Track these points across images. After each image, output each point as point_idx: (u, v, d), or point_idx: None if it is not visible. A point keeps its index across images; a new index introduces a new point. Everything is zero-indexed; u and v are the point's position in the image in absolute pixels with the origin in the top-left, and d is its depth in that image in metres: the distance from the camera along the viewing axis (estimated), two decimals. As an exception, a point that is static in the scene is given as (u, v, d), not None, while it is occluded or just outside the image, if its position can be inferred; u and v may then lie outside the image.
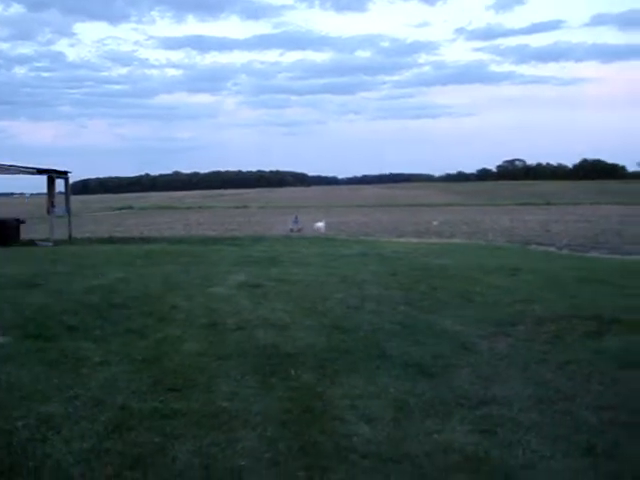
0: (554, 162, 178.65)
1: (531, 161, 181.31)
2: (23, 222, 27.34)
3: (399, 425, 5.34)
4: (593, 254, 22.99)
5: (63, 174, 28.81)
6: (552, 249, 24.98)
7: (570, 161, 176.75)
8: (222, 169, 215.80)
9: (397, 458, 4.69)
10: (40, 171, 27.19)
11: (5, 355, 7.50)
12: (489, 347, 8.06)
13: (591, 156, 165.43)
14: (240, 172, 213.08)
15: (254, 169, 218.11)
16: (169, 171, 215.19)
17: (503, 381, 6.63)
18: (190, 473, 4.50)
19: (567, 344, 8.19)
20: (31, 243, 25.72)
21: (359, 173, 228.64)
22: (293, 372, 6.84)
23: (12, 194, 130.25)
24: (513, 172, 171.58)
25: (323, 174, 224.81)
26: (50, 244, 25.12)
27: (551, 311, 10.16)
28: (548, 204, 72.05)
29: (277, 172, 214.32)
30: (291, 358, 7.40)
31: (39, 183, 28.10)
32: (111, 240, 28.60)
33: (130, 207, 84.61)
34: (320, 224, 36.31)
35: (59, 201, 28.74)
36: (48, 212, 27.36)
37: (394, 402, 5.93)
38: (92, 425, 5.31)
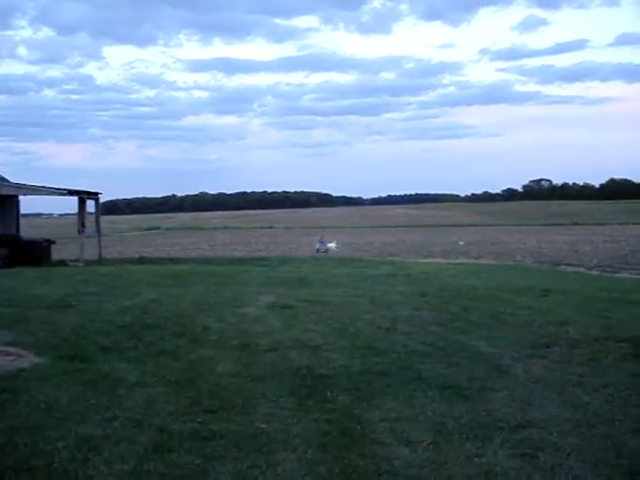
0: (580, 182, 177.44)
1: (557, 181, 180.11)
2: (54, 242, 27.62)
3: (439, 448, 5.31)
4: (623, 274, 22.77)
5: (94, 195, 29.12)
6: (582, 269, 24.79)
7: (597, 181, 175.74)
8: (248, 190, 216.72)
9: (439, 482, 4.66)
10: (71, 192, 27.50)
11: (42, 376, 7.55)
12: (524, 369, 8.00)
13: (618, 176, 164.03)
14: (266, 193, 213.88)
15: (279, 190, 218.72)
16: (196, 192, 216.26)
17: (540, 404, 6.57)
18: (232, 495, 4.50)
19: (603, 367, 8.10)
20: (62, 263, 25.96)
21: (384, 193, 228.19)
22: (329, 394, 6.83)
23: (40, 214, 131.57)
24: (539, 192, 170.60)
25: (348, 194, 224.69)
26: (81, 264, 25.33)
27: (585, 333, 10.07)
28: (575, 224, 71.52)
29: (302, 193, 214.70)
30: (326, 380, 7.39)
31: (67, 204, 28.53)
32: (141, 260, 28.82)
33: (157, 228, 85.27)
34: (331, 244, 36.47)
35: (89, 221, 29.02)
36: (79, 232, 27.60)
37: (432, 425, 5.89)
38: (132, 446, 5.32)
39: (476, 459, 5.10)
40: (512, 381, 7.45)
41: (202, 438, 5.51)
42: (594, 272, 23.81)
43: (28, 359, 8.41)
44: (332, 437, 5.57)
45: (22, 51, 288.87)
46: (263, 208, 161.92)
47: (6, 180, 28.53)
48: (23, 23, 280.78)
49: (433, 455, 5.18)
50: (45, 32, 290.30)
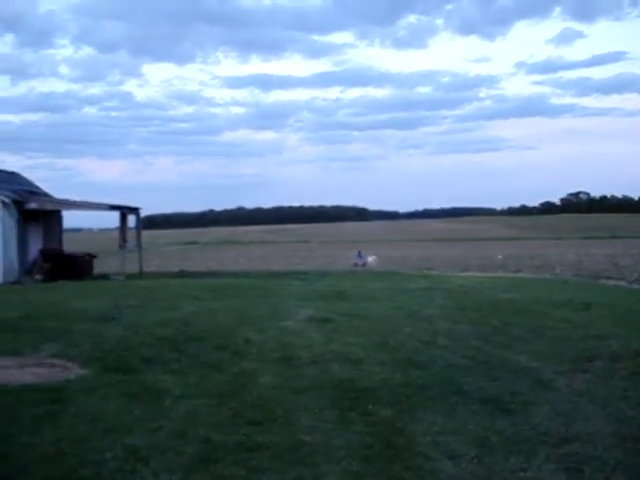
0: (619, 194, 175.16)
1: (595, 193, 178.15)
2: (95, 257, 28.05)
3: (482, 462, 5.31)
4: (665, 289, 22.44)
5: (134, 210, 29.52)
6: (622, 283, 24.48)
7: (636, 193, 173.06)
8: (285, 204, 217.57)
9: (484, 495, 4.66)
10: (113, 207, 27.91)
11: (87, 388, 7.68)
12: (567, 383, 7.95)
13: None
14: (302, 207, 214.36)
15: (316, 204, 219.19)
16: (233, 206, 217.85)
17: (584, 418, 6.53)
18: (278, 506, 4.54)
19: (647, 381, 8.01)
20: (104, 277, 26.34)
21: (420, 207, 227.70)
22: (371, 407, 6.86)
23: (80, 229, 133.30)
24: (577, 205, 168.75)
25: (384, 208, 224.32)
26: (122, 278, 25.68)
27: (627, 347, 9.96)
28: (614, 237, 70.60)
29: (338, 207, 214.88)
30: (368, 393, 7.42)
31: (106, 218, 28.94)
32: (180, 274, 29.11)
33: (195, 242, 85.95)
34: (370, 259, 36.54)
35: (129, 236, 29.40)
36: (120, 247, 27.98)
37: (475, 438, 5.89)
38: (178, 457, 5.40)
39: (521, 473, 5.10)
40: (555, 395, 7.41)
41: (246, 449, 5.57)
42: (635, 286, 23.50)
43: (74, 371, 8.56)
44: (376, 449, 5.60)
45: (63, 69, 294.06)
46: (300, 222, 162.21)
47: (49, 196, 29.05)
48: (64, 42, 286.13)
49: (477, 469, 5.18)
50: (86, 51, 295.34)
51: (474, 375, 8.31)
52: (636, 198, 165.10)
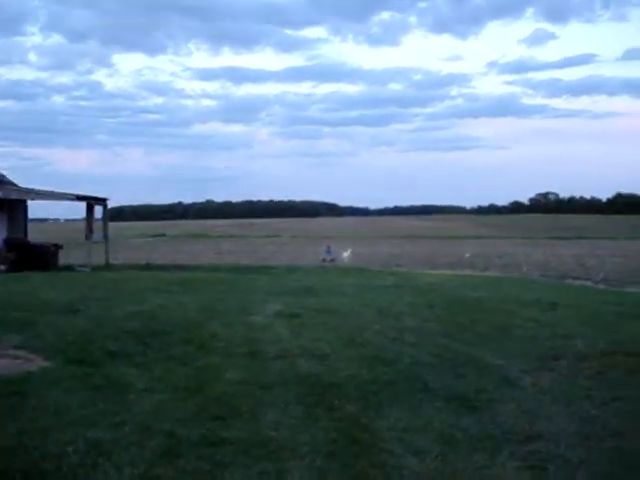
0: (587, 195, 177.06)
1: (564, 194, 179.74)
2: (61, 247, 27.72)
3: (447, 459, 5.31)
4: (630, 289, 22.72)
5: (102, 201, 29.24)
6: (589, 283, 24.76)
7: (604, 195, 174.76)
8: (254, 198, 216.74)
9: (448, 492, 4.66)
10: (80, 197, 27.60)
11: (50, 380, 7.57)
12: (532, 382, 7.99)
13: (625, 190, 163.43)
14: (272, 202, 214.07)
15: (286, 199, 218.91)
16: (202, 199, 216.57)
17: (548, 417, 6.57)
18: (241, 502, 4.50)
19: (611, 380, 8.09)
20: (69, 268, 26.05)
21: (391, 204, 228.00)
22: (337, 402, 6.84)
23: (46, 219, 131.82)
24: (546, 205, 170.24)
25: (355, 205, 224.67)
26: (88, 269, 25.43)
27: (593, 347, 10.05)
28: (581, 238, 71.42)
29: (309, 202, 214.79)
30: (334, 388, 7.39)
31: (73, 209, 28.69)
32: (148, 267, 28.90)
33: (163, 235, 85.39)
34: (345, 254, 36.62)
35: (96, 227, 29.11)
36: (87, 238, 27.70)
37: (440, 436, 5.90)
38: (141, 451, 5.33)
39: (485, 470, 5.11)
40: (520, 393, 7.45)
41: (211, 444, 5.52)
42: (601, 286, 23.78)
43: (36, 363, 8.44)
44: (341, 445, 5.58)
45: (32, 57, 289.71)
46: (269, 217, 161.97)
47: (15, 185, 28.65)
48: (34, 29, 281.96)
49: (442, 465, 5.18)
50: (55, 39, 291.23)
51: (440, 372, 8.33)
52: (604, 200, 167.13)
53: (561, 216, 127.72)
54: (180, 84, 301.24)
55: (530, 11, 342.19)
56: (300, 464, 5.15)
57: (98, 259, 28.19)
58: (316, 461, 5.19)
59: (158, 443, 5.53)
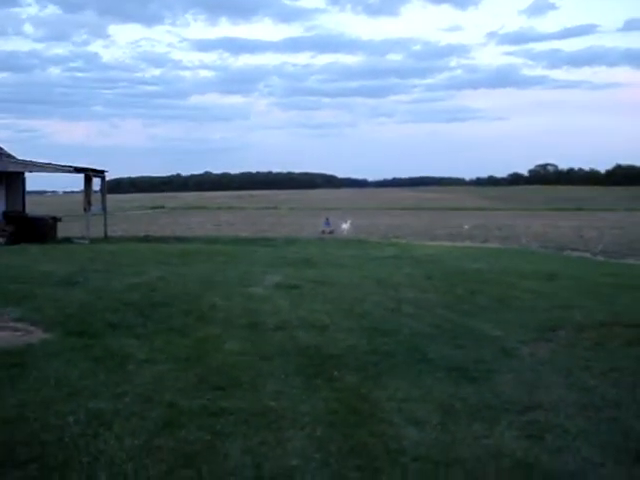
0: (587, 167, 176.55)
1: (563, 166, 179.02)
2: (60, 220, 27.68)
3: (446, 429, 5.34)
4: (629, 261, 22.77)
5: (100, 173, 29.14)
6: (587, 255, 24.78)
7: (603, 166, 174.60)
8: (252, 170, 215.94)
9: (448, 462, 4.69)
10: (78, 170, 27.49)
11: (51, 352, 7.58)
12: (530, 352, 8.03)
13: (625, 162, 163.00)
14: (270, 173, 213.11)
15: (284, 170, 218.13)
16: (200, 171, 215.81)
17: (547, 387, 6.60)
18: (242, 471, 4.53)
19: (609, 351, 8.13)
20: (68, 241, 26.02)
21: (389, 176, 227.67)
22: (336, 373, 6.87)
23: (44, 192, 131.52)
24: (545, 177, 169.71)
25: (353, 176, 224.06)
26: (86, 242, 25.40)
27: (591, 318, 10.09)
28: (580, 209, 71.42)
29: (307, 174, 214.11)
30: (333, 359, 7.43)
31: (71, 181, 28.63)
32: (147, 239, 28.88)
33: (162, 206, 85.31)
34: (345, 225, 36.56)
35: (94, 199, 29.03)
36: (85, 210, 27.63)
37: (439, 406, 5.93)
38: (142, 422, 5.35)
39: (484, 440, 5.14)
40: (519, 364, 7.48)
41: (211, 414, 5.55)
42: (599, 258, 23.81)
43: (36, 335, 8.45)
44: (340, 415, 5.61)
45: (28, 28, 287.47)
46: (268, 188, 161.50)
47: (12, 157, 28.51)
48: (29, 0, 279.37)
49: (441, 435, 5.21)
50: (51, 9, 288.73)
51: (439, 343, 8.37)
52: (603, 171, 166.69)
53: (560, 187, 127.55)
54: (177, 55, 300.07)
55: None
56: (300, 433, 5.17)
57: (97, 231, 28.16)
58: (316, 431, 5.21)
59: (159, 413, 5.56)
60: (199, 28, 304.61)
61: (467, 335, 8.88)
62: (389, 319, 9.89)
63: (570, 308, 10.89)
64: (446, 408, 5.86)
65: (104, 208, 29.88)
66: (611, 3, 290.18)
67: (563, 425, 5.48)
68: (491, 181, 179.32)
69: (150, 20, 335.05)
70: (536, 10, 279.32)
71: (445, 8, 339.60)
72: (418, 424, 5.43)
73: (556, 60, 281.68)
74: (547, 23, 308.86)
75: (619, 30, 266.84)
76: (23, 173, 28.79)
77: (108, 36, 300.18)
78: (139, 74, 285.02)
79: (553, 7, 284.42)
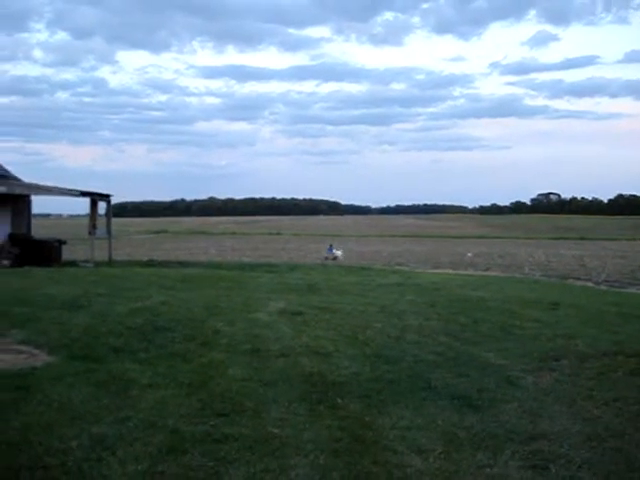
0: (589, 196, 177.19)
1: (566, 195, 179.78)
2: (64, 243, 27.71)
3: (450, 458, 5.34)
4: (631, 290, 22.74)
5: (105, 197, 29.23)
6: (590, 284, 24.75)
7: (605, 196, 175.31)
8: (256, 196, 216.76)
9: (451, 491, 4.69)
10: (84, 193, 27.59)
11: (54, 375, 7.59)
12: (534, 382, 8.01)
13: (626, 191, 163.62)
14: (274, 199, 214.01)
15: (288, 197, 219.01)
16: (204, 197, 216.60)
17: (551, 417, 6.59)
18: (246, 498, 4.53)
19: (613, 381, 8.11)
20: (73, 264, 26.05)
21: (392, 203, 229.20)
22: (340, 400, 6.87)
23: (49, 215, 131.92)
24: (547, 206, 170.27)
25: (356, 203, 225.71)
26: (91, 265, 25.43)
27: (594, 347, 10.07)
28: (583, 239, 71.39)
29: (311, 200, 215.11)
30: (337, 387, 7.42)
31: (76, 205, 28.75)
32: (150, 263, 28.90)
33: (165, 231, 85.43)
34: (338, 252, 36.62)
35: (99, 223, 29.11)
36: (90, 233, 27.70)
37: (443, 434, 5.92)
38: (145, 447, 5.36)
39: (487, 469, 5.13)
40: (522, 393, 7.46)
41: (215, 441, 5.55)
42: (602, 287, 23.78)
43: (40, 358, 8.47)
44: (344, 443, 5.60)
45: (37, 53, 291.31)
46: (271, 214, 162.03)
47: (19, 180, 28.65)
48: (39, 26, 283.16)
49: (445, 464, 5.20)
50: (61, 35, 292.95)
51: (443, 371, 8.36)
52: (605, 200, 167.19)
53: (563, 216, 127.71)
54: (184, 82, 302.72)
55: (532, 13, 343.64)
56: (304, 461, 5.17)
57: (101, 255, 28.21)
58: (319, 459, 5.22)
59: (162, 439, 5.56)
60: (206, 55, 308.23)
61: (470, 363, 8.88)
62: (393, 346, 9.89)
63: (573, 337, 10.87)
64: (450, 437, 5.86)
65: (109, 232, 29.94)
66: (611, 35, 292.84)
67: (567, 455, 5.47)
68: (494, 209, 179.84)
69: (157, 47, 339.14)
70: (538, 41, 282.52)
71: (448, 39, 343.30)
72: (422, 453, 5.43)
73: (558, 90, 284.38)
74: (549, 54, 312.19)
75: (619, 62, 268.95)
76: (29, 196, 28.89)
77: (116, 62, 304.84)
78: (146, 100, 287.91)
79: (555, 38, 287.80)
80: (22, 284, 16.54)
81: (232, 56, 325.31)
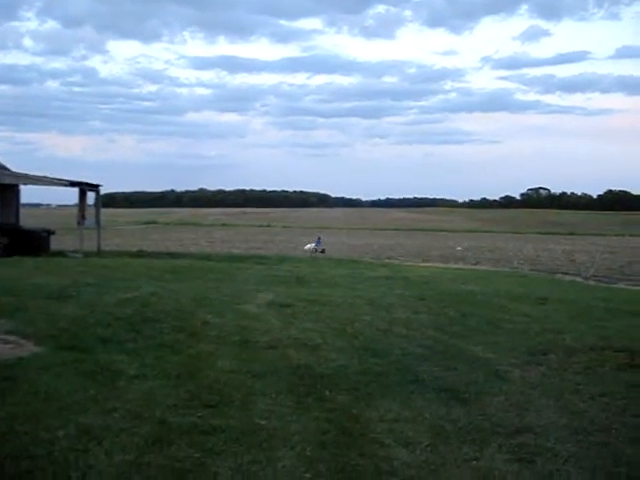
0: (579, 192, 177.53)
1: (555, 190, 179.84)
2: (53, 233, 27.60)
3: (437, 450, 5.35)
4: (620, 285, 22.85)
5: (94, 187, 29.11)
6: (578, 279, 24.84)
7: (595, 191, 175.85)
8: (247, 188, 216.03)
9: (438, 483, 4.70)
10: (73, 183, 27.47)
11: (41, 365, 7.56)
12: (521, 375, 8.04)
13: (616, 187, 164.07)
14: (264, 191, 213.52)
15: (278, 189, 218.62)
16: (195, 188, 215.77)
17: (538, 410, 6.61)
18: (232, 489, 4.52)
19: (600, 375, 8.14)
20: (61, 254, 25.94)
21: (383, 196, 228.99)
22: (328, 393, 6.87)
23: (39, 205, 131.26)
24: (537, 200, 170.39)
25: (347, 196, 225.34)
26: (80, 255, 25.33)
27: (582, 342, 10.10)
28: (572, 234, 71.58)
29: (301, 192, 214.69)
30: (325, 379, 7.42)
31: (65, 195, 28.60)
32: (140, 254, 28.81)
33: (155, 222, 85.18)
34: (309, 245, 36.45)
35: (88, 213, 28.99)
36: (79, 224, 27.58)
37: (430, 427, 5.93)
38: (132, 438, 5.34)
39: (474, 462, 5.14)
40: (509, 386, 7.48)
41: (202, 432, 5.54)
42: (590, 282, 23.86)
43: (27, 348, 8.43)
44: (331, 435, 5.61)
45: (27, 42, 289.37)
46: (261, 206, 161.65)
47: (8, 169, 28.49)
48: (29, 15, 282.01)
49: (431, 457, 5.21)
50: (51, 24, 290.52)
51: (431, 364, 8.37)
52: (595, 196, 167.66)
53: (552, 211, 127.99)
54: (175, 72, 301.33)
55: (524, 8, 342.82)
56: (291, 453, 5.17)
57: (90, 245, 28.09)
58: (306, 451, 5.21)
59: (149, 430, 5.55)
60: (197, 46, 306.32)
61: (459, 357, 8.89)
62: (381, 339, 9.90)
63: (561, 332, 10.91)
64: (437, 430, 5.87)
65: (98, 222, 29.84)
66: (603, 31, 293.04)
67: (553, 449, 5.49)
68: (483, 203, 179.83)
69: (148, 37, 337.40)
70: (530, 36, 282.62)
71: (440, 32, 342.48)
72: (409, 445, 5.44)
73: (549, 85, 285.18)
74: (541, 49, 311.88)
75: (611, 57, 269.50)
76: (17, 185, 28.75)
77: (106, 52, 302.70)
78: (136, 90, 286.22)
79: (547, 33, 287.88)
80: (10, 274, 16.49)
81: (223, 47, 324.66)
